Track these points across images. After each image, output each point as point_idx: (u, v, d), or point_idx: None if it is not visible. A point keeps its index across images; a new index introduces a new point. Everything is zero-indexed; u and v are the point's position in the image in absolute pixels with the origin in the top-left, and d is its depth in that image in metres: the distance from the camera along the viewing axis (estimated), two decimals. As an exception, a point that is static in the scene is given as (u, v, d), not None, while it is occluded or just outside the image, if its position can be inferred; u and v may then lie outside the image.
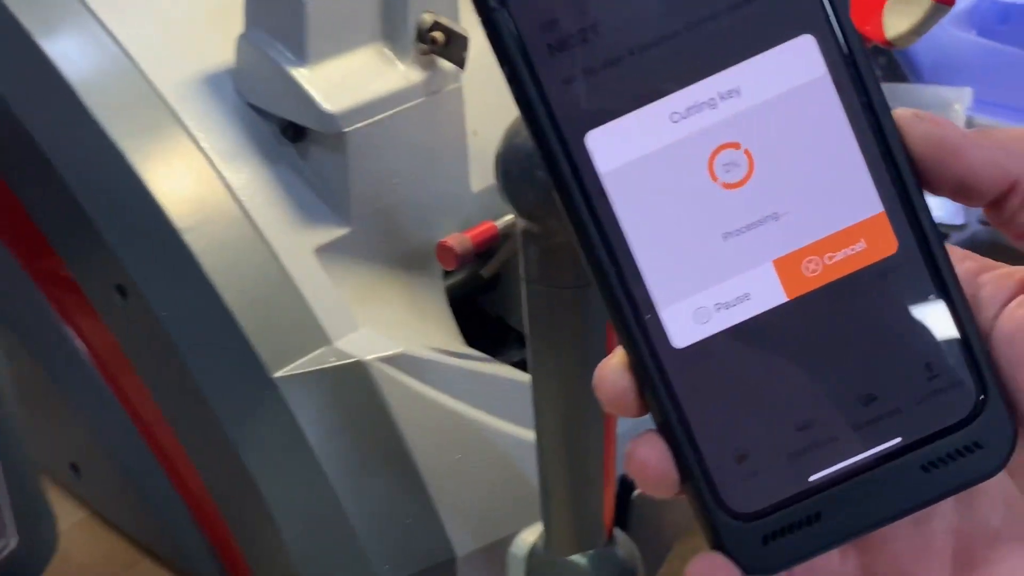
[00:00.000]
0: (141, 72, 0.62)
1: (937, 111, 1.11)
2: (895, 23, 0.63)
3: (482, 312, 0.73)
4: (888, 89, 1.07)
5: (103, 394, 0.68)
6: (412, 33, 0.63)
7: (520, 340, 0.63)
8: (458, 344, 0.67)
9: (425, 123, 0.65)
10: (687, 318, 0.30)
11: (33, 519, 0.39)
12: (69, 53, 0.61)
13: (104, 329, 0.63)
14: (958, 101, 1.04)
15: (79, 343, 0.68)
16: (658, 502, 0.66)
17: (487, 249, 0.65)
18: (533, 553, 0.61)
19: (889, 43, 0.64)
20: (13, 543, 0.38)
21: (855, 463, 0.30)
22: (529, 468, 0.60)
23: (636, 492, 0.66)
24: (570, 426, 0.57)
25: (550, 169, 0.29)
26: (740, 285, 0.30)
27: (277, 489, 0.59)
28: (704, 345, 0.30)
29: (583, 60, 0.29)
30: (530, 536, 0.61)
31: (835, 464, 0.30)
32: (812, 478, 0.30)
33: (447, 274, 0.69)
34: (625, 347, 0.30)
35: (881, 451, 0.30)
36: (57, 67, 0.61)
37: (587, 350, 0.55)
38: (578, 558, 0.59)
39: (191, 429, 0.62)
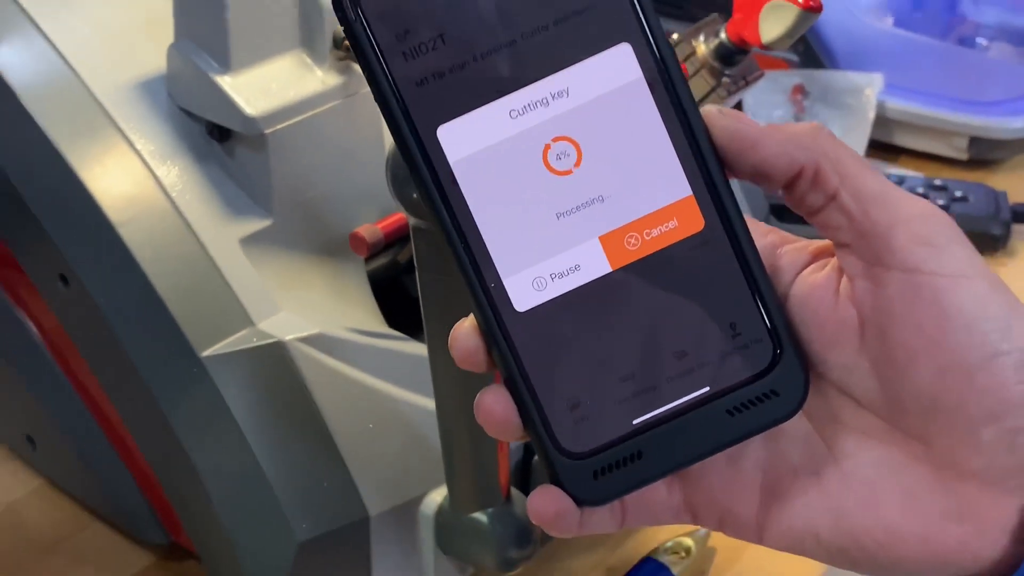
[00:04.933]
0: (80, 79, 0.66)
1: (849, 95, 1.17)
2: (769, 29, 0.69)
3: (405, 292, 0.77)
4: (803, 75, 1.13)
5: (54, 373, 0.71)
6: (329, 41, 0.67)
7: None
8: (377, 324, 0.71)
9: (342, 124, 0.69)
10: (527, 286, 0.34)
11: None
12: (13, 62, 0.65)
13: (51, 314, 0.67)
14: (869, 86, 1.10)
15: (31, 326, 0.72)
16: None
17: (398, 238, 0.70)
18: (440, 512, 0.66)
19: (765, 46, 0.70)
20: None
21: (671, 408, 0.34)
22: (435, 436, 0.64)
23: (536, 458, 0.71)
24: (464, 399, 0.61)
25: (407, 160, 0.33)
26: (571, 258, 0.34)
27: (206, 458, 0.62)
28: (541, 309, 0.34)
29: (433, 64, 0.32)
30: (437, 497, 0.66)
31: (653, 410, 0.34)
32: (634, 422, 0.34)
33: (369, 260, 0.74)
34: (474, 312, 0.34)
35: (692, 398, 0.34)
36: (1, 75, 0.65)
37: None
38: (479, 515, 0.64)
39: (129, 404, 0.65)
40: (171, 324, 0.63)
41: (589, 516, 0.35)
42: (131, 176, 0.65)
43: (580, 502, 0.34)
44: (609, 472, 0.34)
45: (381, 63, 0.32)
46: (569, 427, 0.34)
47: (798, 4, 0.68)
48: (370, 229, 0.67)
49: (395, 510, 0.66)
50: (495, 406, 0.34)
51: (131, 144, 0.66)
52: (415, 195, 0.54)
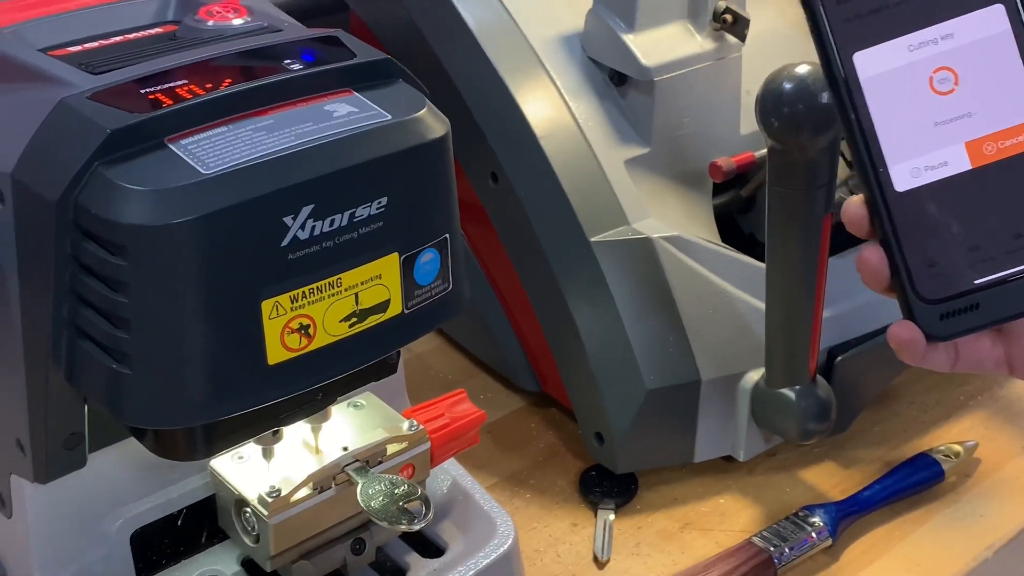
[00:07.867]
0: (519, 29, 0.84)
1: None
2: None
3: (737, 228, 0.92)
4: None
5: (467, 254, 0.89)
6: (709, 15, 0.83)
7: (764, 253, 0.77)
8: (717, 241, 0.88)
9: (711, 80, 0.84)
10: (906, 173, 0.40)
11: (459, 277, 0.54)
12: (473, 13, 0.85)
13: (478, 204, 0.85)
14: None
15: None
16: (854, 368, 0.86)
17: (746, 172, 0.84)
18: (756, 387, 0.81)
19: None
20: (447, 287, 0.53)
21: (1004, 275, 0.39)
22: (758, 327, 0.79)
23: (839, 358, 0.85)
24: (790, 294, 0.75)
25: (828, 76, 0.40)
26: (942, 156, 0.40)
27: (585, 319, 0.79)
28: (914, 191, 0.40)
29: (856, 9, 0.40)
30: (754, 376, 0.81)
31: (992, 274, 0.40)
32: (976, 281, 0.40)
33: (714, 196, 0.88)
34: (865, 190, 0.40)
35: (1022, 269, 0.39)
36: (465, 21, 0.84)
37: (807, 240, 0.72)
38: (788, 391, 0.78)
39: (532, 275, 0.82)
40: (571, 215, 0.81)
41: (931, 351, 0.41)
42: (551, 103, 0.83)
43: (928, 337, 0.40)
44: (952, 316, 0.40)
45: (820, 6, 0.41)
46: (926, 279, 0.40)
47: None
48: (726, 160, 0.84)
49: (720, 380, 0.81)
50: (872, 258, 0.41)
51: (552, 80, 0.84)
52: (775, 122, 0.70)
